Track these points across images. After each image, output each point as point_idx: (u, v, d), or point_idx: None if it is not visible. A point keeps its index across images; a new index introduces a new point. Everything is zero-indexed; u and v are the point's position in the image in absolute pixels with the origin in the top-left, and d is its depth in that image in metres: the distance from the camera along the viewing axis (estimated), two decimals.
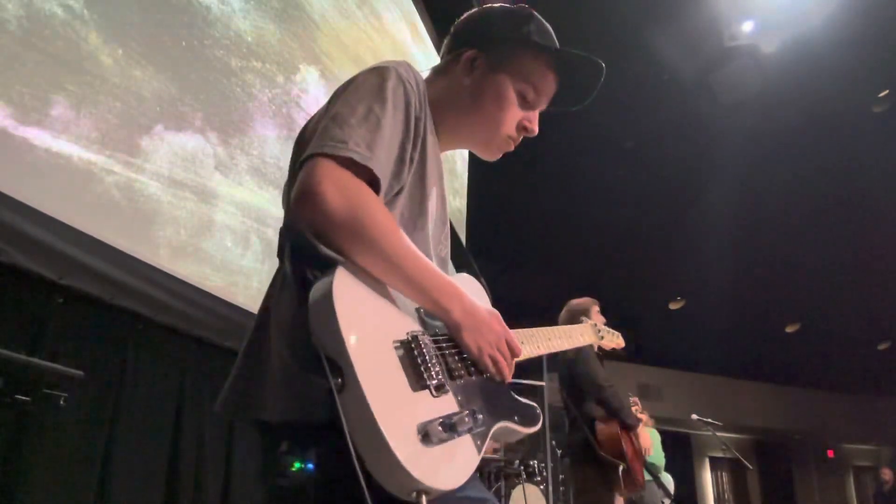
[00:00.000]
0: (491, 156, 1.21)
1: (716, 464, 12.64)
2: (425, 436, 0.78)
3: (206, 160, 2.86)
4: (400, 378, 0.82)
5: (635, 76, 5.58)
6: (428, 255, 1.02)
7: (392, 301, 0.90)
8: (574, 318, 3.49)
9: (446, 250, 1.17)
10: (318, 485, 0.81)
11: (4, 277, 2.00)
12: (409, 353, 0.85)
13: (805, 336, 10.19)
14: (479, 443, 0.89)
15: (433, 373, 0.86)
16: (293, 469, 0.80)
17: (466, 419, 0.85)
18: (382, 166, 0.91)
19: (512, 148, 1.20)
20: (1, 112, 2.01)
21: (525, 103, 1.16)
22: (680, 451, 11.42)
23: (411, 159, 1.00)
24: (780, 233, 7.72)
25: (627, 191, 7.03)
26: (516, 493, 4.83)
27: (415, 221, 1.03)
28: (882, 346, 10.53)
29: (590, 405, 3.27)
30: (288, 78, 3.49)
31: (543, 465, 5.01)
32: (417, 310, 0.94)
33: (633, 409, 3.61)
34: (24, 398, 1.57)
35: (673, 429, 10.66)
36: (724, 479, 12.76)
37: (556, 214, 7.56)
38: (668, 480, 4.77)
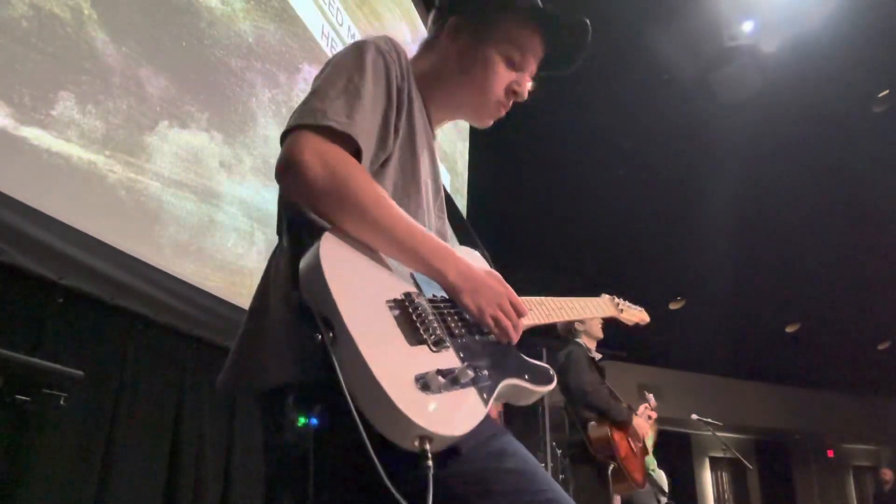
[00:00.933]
0: (482, 122, 1.21)
1: (716, 464, 12.63)
2: (424, 385, 0.77)
3: (208, 160, 2.86)
4: (395, 333, 0.81)
5: (635, 76, 5.58)
6: (424, 225, 1.01)
7: (385, 264, 0.90)
8: (568, 324, 3.51)
9: (442, 220, 1.16)
10: (318, 440, 0.81)
11: (4, 277, 2.00)
12: (405, 311, 0.85)
13: (805, 336, 10.19)
14: (485, 396, 0.85)
15: (431, 328, 0.85)
16: (299, 425, 0.79)
17: (469, 371, 0.83)
18: (364, 134, 0.91)
19: (503, 114, 1.19)
20: (1, 112, 2.01)
21: (512, 67, 1.14)
22: (680, 451, 11.42)
23: (396, 129, 1.00)
24: (780, 233, 7.71)
25: (627, 191, 7.03)
26: None
27: (408, 191, 1.03)
28: (882, 346, 10.52)
29: (582, 408, 3.28)
30: (290, 77, 3.49)
31: (543, 465, 5.01)
32: (412, 274, 0.93)
33: (644, 406, 3.59)
34: (24, 398, 1.57)
35: (673, 429, 10.66)
36: (724, 479, 12.75)
37: (555, 215, 7.56)
38: (660, 477, 4.75)
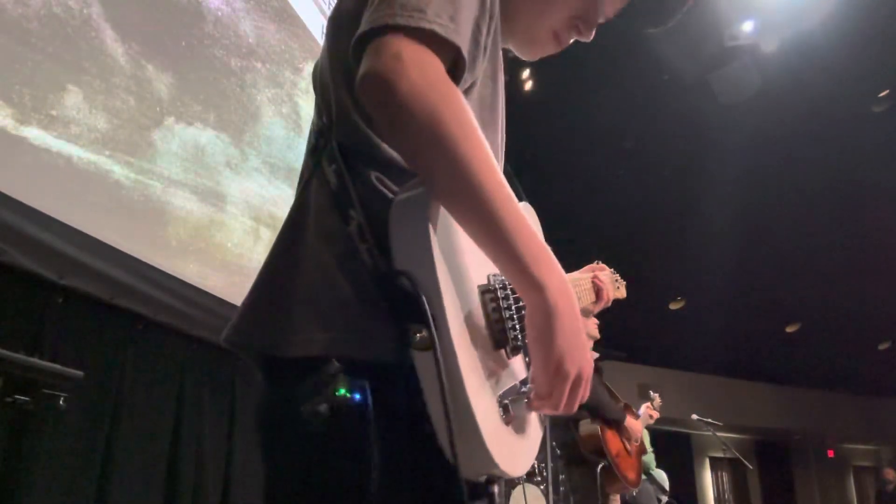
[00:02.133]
0: (529, 52, 0.97)
1: (716, 464, 12.63)
2: (505, 410, 0.67)
3: (209, 160, 2.86)
4: (482, 334, 0.68)
5: (635, 76, 5.58)
6: None
7: None
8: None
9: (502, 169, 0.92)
10: (379, 426, 0.64)
11: (4, 277, 2.00)
12: (494, 301, 0.71)
13: (805, 336, 10.18)
14: (542, 416, 0.77)
15: (516, 329, 0.72)
16: (337, 394, 0.63)
17: None
18: (468, 46, 0.69)
19: (555, 50, 0.96)
20: (1, 112, 2.01)
21: None
22: (680, 451, 11.42)
23: (486, 46, 0.76)
24: (779, 232, 7.71)
25: (627, 191, 7.03)
26: (516, 493, 4.83)
27: (487, 134, 0.78)
28: (882, 346, 10.52)
29: None
30: (290, 77, 3.49)
31: (543, 465, 5.01)
32: None
33: (646, 405, 3.57)
34: (24, 398, 1.57)
35: (673, 429, 10.66)
36: (724, 479, 12.75)
37: (555, 214, 7.55)
38: (661, 477, 4.75)
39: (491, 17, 0.76)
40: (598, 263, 1.37)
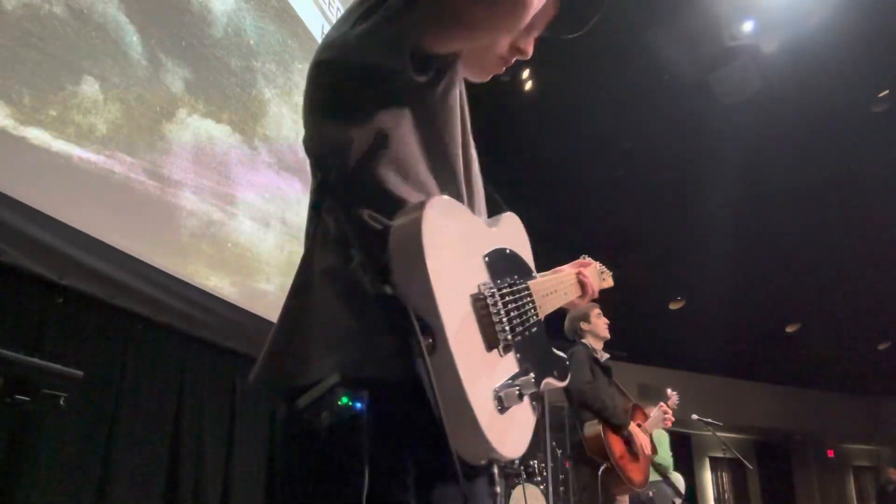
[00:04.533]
0: (481, 76, 1.16)
1: (716, 464, 12.63)
2: (499, 402, 0.77)
3: (208, 160, 2.86)
4: (476, 338, 0.79)
5: (635, 76, 5.58)
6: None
7: (466, 248, 0.84)
8: (574, 325, 3.50)
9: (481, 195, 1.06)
10: (374, 430, 0.73)
11: (4, 277, 2.00)
12: (484, 308, 0.81)
13: (805, 336, 10.19)
14: (534, 404, 0.88)
15: (504, 331, 0.82)
16: (340, 403, 0.72)
17: (530, 382, 0.83)
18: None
19: (503, 70, 1.14)
20: (1, 112, 2.01)
21: None
22: (680, 451, 11.39)
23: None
24: (780, 232, 7.71)
25: (627, 191, 7.03)
26: (516, 493, 4.83)
27: (450, 132, 0.96)
28: (882, 346, 10.52)
29: (578, 406, 3.27)
30: (289, 77, 3.49)
31: (543, 465, 5.02)
32: (484, 257, 0.88)
33: (662, 405, 3.53)
34: (24, 398, 1.57)
35: (673, 429, 10.65)
36: (724, 479, 12.75)
37: (555, 214, 7.56)
38: (678, 480, 4.75)
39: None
40: (584, 258, 1.49)
